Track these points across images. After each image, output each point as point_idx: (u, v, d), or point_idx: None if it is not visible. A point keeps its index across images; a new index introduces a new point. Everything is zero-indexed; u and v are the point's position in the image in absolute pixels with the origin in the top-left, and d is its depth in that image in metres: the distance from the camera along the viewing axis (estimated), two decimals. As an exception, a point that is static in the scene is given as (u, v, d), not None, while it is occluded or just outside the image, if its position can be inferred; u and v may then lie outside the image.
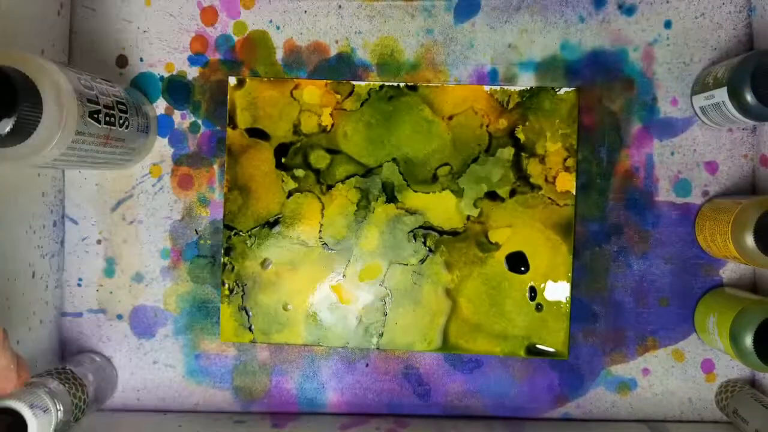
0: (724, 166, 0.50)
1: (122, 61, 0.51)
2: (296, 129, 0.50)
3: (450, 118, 0.50)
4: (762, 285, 0.50)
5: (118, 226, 0.51)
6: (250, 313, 0.51)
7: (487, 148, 0.50)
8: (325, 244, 0.51)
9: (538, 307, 0.50)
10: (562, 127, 0.50)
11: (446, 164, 0.50)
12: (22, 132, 0.37)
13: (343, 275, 0.51)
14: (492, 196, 0.50)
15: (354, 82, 0.51)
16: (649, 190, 0.50)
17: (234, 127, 0.51)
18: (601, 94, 0.50)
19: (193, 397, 0.52)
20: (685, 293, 0.51)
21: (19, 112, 0.36)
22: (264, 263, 0.50)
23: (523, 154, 0.50)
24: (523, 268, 0.50)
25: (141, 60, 0.51)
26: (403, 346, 0.50)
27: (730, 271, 0.51)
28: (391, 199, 0.50)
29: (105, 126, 0.42)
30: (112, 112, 0.43)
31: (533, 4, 0.50)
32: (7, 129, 0.36)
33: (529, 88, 0.50)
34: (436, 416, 0.51)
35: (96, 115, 0.41)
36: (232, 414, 0.51)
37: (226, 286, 0.51)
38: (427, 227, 0.50)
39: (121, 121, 0.44)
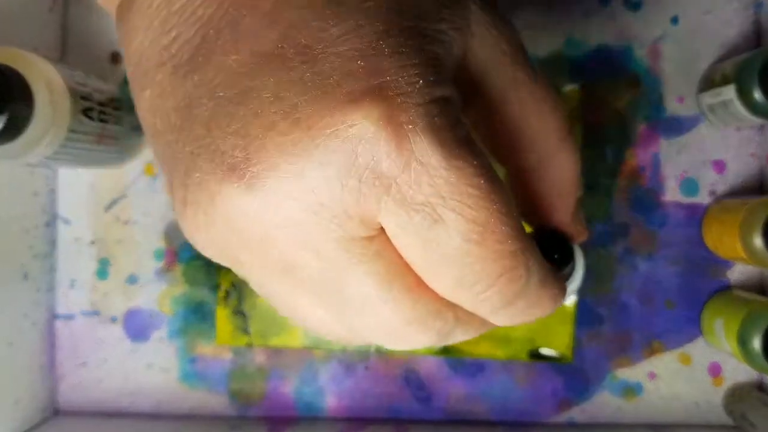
0: (731, 165, 0.49)
1: (116, 58, 0.50)
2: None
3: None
4: (770, 287, 0.49)
5: (111, 226, 0.50)
6: (247, 316, 0.50)
7: (490, 147, 0.49)
8: (324, 245, 0.50)
9: (542, 310, 0.49)
10: (566, 126, 0.49)
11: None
12: (13, 129, 0.36)
13: (343, 277, 0.50)
14: (495, 196, 0.49)
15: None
16: (656, 189, 0.50)
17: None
18: (606, 92, 0.50)
19: (189, 402, 0.51)
20: (691, 295, 0.50)
21: (11, 110, 0.35)
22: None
23: (526, 153, 0.49)
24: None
25: (136, 56, 0.50)
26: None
27: (737, 272, 0.50)
28: (392, 199, 0.49)
29: (98, 123, 0.41)
30: (105, 109, 0.42)
31: (537, 0, 0.50)
32: (-2, 126, 0.35)
33: (532, 85, 0.49)
34: (436, 421, 0.50)
35: (89, 113, 0.40)
36: (228, 419, 0.50)
37: (223, 288, 0.50)
38: (429, 228, 0.49)
39: (115, 119, 0.43)
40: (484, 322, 0.25)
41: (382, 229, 0.21)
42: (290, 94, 0.19)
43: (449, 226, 0.20)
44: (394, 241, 0.21)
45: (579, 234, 0.29)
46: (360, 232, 0.20)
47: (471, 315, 0.24)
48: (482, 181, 0.20)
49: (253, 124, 0.20)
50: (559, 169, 0.27)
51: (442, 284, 0.21)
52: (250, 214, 0.20)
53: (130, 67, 0.24)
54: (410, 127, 0.19)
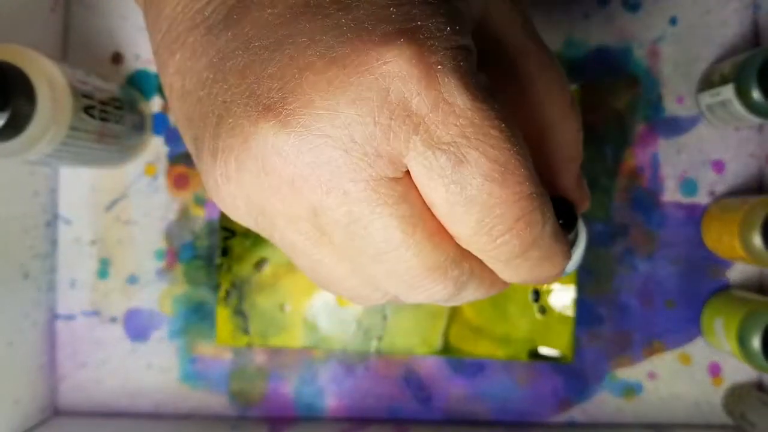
0: (730, 165, 0.49)
1: (117, 57, 0.50)
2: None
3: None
4: (769, 286, 0.49)
5: (112, 226, 0.50)
6: (247, 316, 0.49)
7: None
8: (324, 244, 0.49)
9: (542, 310, 0.49)
10: (565, 126, 0.49)
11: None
12: (15, 126, 0.36)
13: (343, 277, 0.49)
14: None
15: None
16: (655, 189, 0.50)
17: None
18: (606, 92, 0.50)
19: (189, 402, 0.51)
20: (691, 295, 0.50)
21: (13, 106, 0.35)
22: (259, 264, 0.49)
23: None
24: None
25: (136, 57, 0.50)
26: (403, 349, 0.49)
27: (737, 272, 0.50)
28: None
29: (99, 121, 0.41)
30: (106, 108, 0.42)
31: (537, 1, 0.50)
32: (0, 123, 0.35)
33: (532, 86, 0.49)
34: (437, 421, 0.50)
35: (90, 111, 0.40)
36: (228, 419, 0.50)
37: (223, 288, 0.50)
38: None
39: (115, 118, 0.43)
40: (494, 280, 0.25)
41: (407, 173, 0.21)
42: (326, 38, 0.20)
43: (472, 165, 0.20)
44: (418, 183, 0.21)
45: (582, 200, 0.30)
46: (388, 173, 0.21)
47: (484, 269, 0.25)
48: (503, 124, 0.21)
49: (289, 66, 0.21)
50: (563, 135, 0.28)
51: (462, 228, 0.22)
52: (283, 152, 0.21)
53: (158, 34, 0.25)
54: (439, 67, 0.20)
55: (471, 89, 0.20)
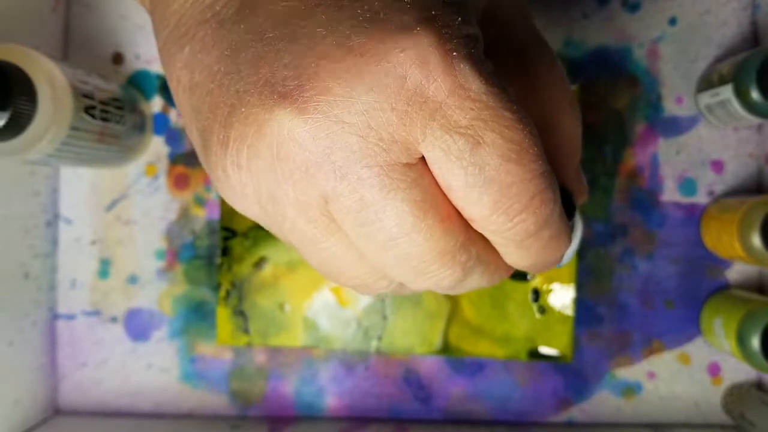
0: (729, 165, 0.50)
1: (118, 57, 0.50)
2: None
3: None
4: (769, 286, 0.49)
5: (112, 226, 0.50)
6: (247, 315, 0.49)
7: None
8: (324, 244, 0.49)
9: (542, 310, 0.49)
10: (565, 126, 0.49)
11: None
12: (16, 126, 0.36)
13: (343, 276, 0.49)
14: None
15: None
16: (654, 189, 0.50)
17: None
18: (605, 92, 0.50)
19: (189, 402, 0.51)
20: (691, 295, 0.50)
21: (13, 106, 0.35)
22: (259, 264, 0.49)
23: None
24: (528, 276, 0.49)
25: (137, 57, 0.50)
26: (403, 349, 0.49)
27: (736, 272, 0.50)
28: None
29: (100, 122, 0.41)
30: (107, 108, 0.42)
31: (536, 1, 0.50)
32: (1, 123, 0.35)
33: (531, 86, 0.49)
34: (437, 421, 0.50)
35: (91, 111, 0.40)
36: (228, 419, 0.50)
37: (223, 287, 0.50)
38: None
39: (116, 118, 0.44)
40: (498, 265, 0.26)
41: (420, 159, 0.22)
42: (342, 28, 0.21)
43: (490, 146, 0.21)
44: (435, 168, 0.22)
45: (581, 192, 0.31)
46: (402, 158, 0.21)
47: (489, 255, 0.25)
48: (515, 106, 0.21)
49: (305, 55, 0.21)
50: (564, 130, 0.29)
51: (480, 209, 0.22)
52: (299, 138, 0.21)
53: (165, 29, 0.25)
54: (454, 54, 0.21)
55: (484, 74, 0.21)
